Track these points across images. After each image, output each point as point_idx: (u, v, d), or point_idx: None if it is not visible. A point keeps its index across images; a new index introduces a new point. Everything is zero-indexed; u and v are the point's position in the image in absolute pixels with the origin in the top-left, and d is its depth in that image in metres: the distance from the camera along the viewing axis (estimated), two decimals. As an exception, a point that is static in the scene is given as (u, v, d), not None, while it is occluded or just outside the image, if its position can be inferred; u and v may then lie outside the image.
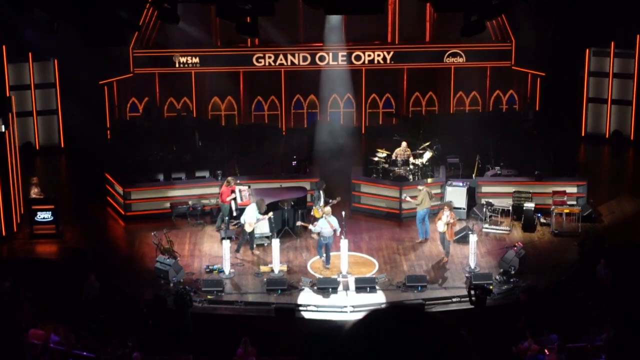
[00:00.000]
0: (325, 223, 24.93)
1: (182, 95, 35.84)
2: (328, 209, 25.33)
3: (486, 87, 36.33)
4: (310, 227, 25.71)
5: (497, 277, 24.19)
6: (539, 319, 21.91)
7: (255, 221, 25.46)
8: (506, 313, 22.57)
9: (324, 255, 25.22)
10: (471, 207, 28.14)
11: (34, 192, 28.43)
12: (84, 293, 23.44)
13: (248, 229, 25.57)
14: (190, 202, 28.33)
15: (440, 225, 25.17)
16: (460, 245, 25.97)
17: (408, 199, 26.79)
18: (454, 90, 36.09)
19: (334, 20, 33.87)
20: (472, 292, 22.36)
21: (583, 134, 34.96)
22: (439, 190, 28.58)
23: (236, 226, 27.07)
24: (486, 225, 27.31)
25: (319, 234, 25.23)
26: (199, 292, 23.75)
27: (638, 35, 33.41)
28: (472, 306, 22.29)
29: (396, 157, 29.15)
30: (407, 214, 27.75)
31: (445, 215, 25.02)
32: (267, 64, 35.11)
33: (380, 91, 36.28)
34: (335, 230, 24.89)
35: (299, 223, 26.59)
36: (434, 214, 26.38)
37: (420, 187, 26.65)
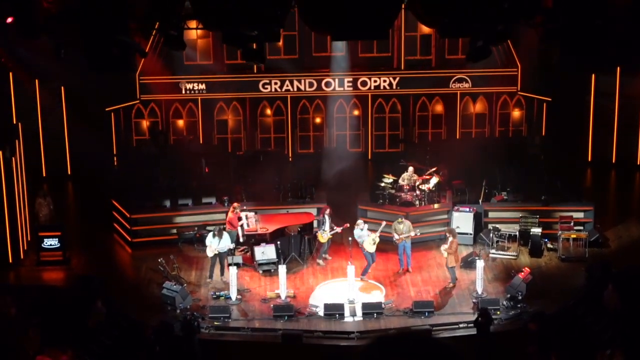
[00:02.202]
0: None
1: (189, 120, 35.89)
2: (359, 221, 26.02)
3: (493, 111, 36.29)
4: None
5: (505, 303, 24.13)
6: (546, 344, 21.79)
7: (216, 246, 25.73)
8: (513, 338, 22.46)
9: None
10: (478, 233, 28.10)
11: (43, 206, 28.37)
12: (91, 319, 23.39)
13: (210, 253, 25.91)
14: (196, 228, 28.35)
15: (444, 252, 25.25)
16: (467, 270, 25.94)
17: (413, 234, 26.54)
18: (460, 115, 36.12)
19: (339, 47, 33.96)
20: (478, 318, 22.34)
21: (589, 159, 34.96)
22: (445, 216, 28.59)
23: (243, 252, 27.09)
24: (493, 251, 27.27)
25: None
26: (205, 319, 23.71)
27: (644, 60, 33.43)
28: (476, 328, 22.31)
29: (403, 182, 29.17)
30: (415, 240, 27.58)
31: (449, 241, 25.08)
32: (273, 90, 35.20)
33: (386, 115, 36.36)
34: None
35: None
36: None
37: (401, 220, 26.54)
